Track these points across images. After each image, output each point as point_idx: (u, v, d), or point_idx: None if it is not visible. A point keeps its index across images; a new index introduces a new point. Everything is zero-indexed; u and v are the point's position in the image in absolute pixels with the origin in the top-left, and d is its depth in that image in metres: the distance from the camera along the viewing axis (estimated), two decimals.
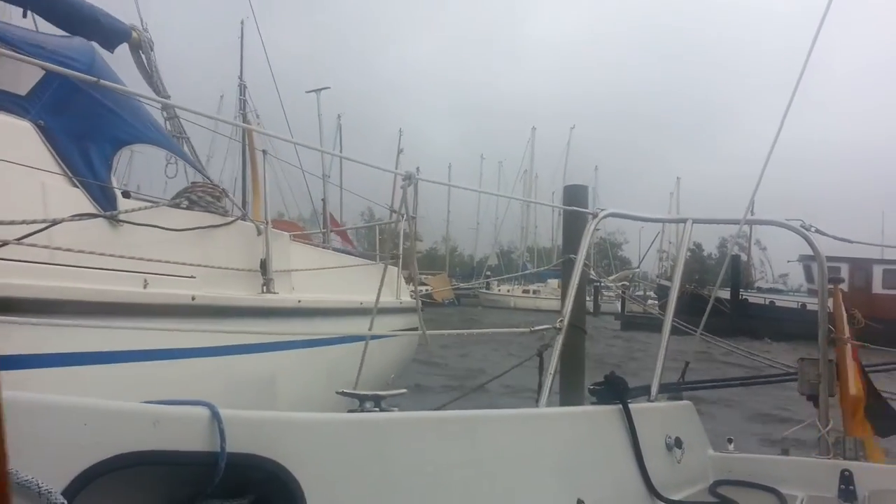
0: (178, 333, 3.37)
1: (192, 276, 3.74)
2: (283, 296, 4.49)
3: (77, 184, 3.35)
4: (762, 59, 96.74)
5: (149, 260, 3.45)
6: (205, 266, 3.87)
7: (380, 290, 2.89)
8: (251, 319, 4.05)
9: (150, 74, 5.11)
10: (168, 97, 5.07)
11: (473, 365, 13.07)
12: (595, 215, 2.91)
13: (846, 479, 2.44)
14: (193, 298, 3.58)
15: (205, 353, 3.55)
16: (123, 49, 5.06)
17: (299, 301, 4.62)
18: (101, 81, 2.30)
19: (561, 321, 2.64)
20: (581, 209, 4.63)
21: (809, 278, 29.81)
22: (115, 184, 3.65)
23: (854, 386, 2.76)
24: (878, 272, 27.32)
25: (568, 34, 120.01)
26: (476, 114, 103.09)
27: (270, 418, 1.26)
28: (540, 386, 2.57)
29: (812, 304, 26.42)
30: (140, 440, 1.04)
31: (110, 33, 4.85)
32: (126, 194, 3.71)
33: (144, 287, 3.39)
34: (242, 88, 31.39)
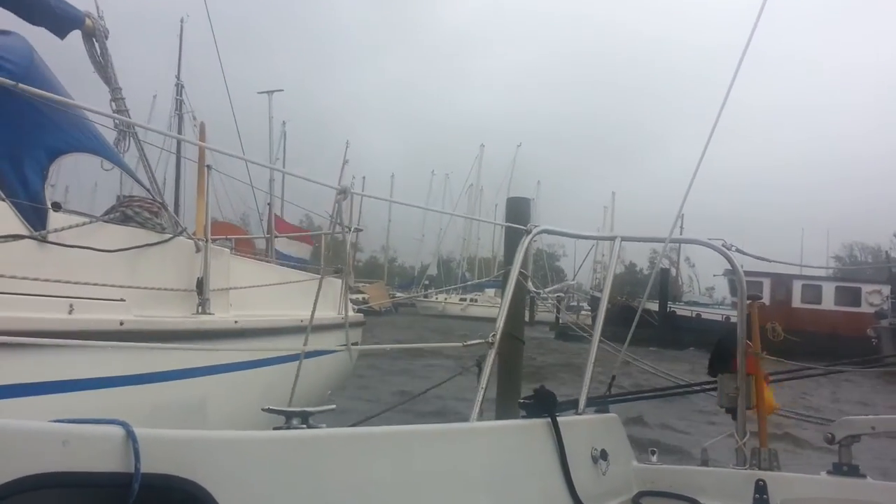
0: (105, 361, 3.22)
1: (121, 300, 3.55)
2: (218, 316, 4.31)
3: (3, 198, 3.16)
4: (686, 90, 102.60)
5: (75, 283, 3.27)
6: (137, 287, 3.69)
7: (315, 305, 2.86)
8: (183, 343, 3.88)
9: (103, 65, 4.79)
10: (120, 89, 4.79)
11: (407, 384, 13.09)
12: (529, 231, 2.97)
13: (760, 488, 2.57)
14: (122, 323, 3.41)
15: (132, 381, 3.37)
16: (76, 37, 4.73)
17: (235, 321, 4.46)
18: (20, 86, 2.17)
19: (494, 335, 2.62)
20: (516, 226, 4.74)
21: (733, 292, 31.15)
22: (48, 197, 3.45)
23: (769, 399, 2.94)
24: (797, 287, 28.86)
25: (519, 61, 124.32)
26: (426, 129, 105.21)
27: (189, 437, 1.22)
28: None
29: (734, 316, 27.57)
30: (47, 461, 0.97)
31: (60, 19, 4.55)
32: (56, 206, 3.50)
33: (70, 313, 3.19)
34: (179, 88, 30.50)
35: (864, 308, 27.71)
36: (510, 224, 5.12)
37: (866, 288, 28.60)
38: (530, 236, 2.96)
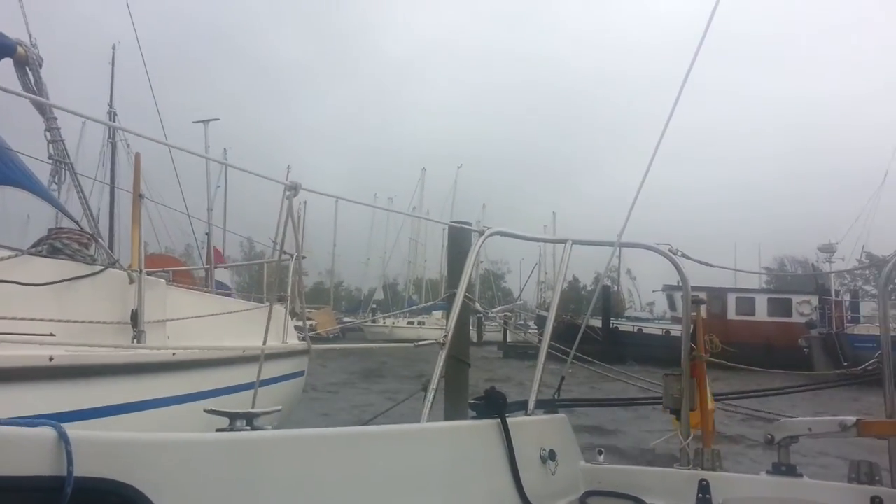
0: (36, 398, 3.10)
1: (51, 335, 3.38)
2: (155, 348, 4.18)
3: None
4: (622, 119, 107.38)
5: (1, 318, 3.13)
6: (67, 321, 3.55)
7: (266, 333, 2.81)
8: (118, 377, 3.74)
9: (37, 94, 4.67)
10: (55, 118, 4.69)
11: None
12: (481, 233, 3.02)
13: (703, 488, 2.63)
14: (51, 359, 3.25)
15: (64, 419, 3.22)
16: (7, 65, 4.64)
17: (174, 353, 4.30)
18: None
19: (445, 337, 2.68)
20: (468, 227, 4.79)
21: (672, 306, 32.10)
22: None
23: (710, 401, 3.03)
24: (731, 300, 29.92)
25: (460, 90, 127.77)
26: (369, 155, 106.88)
27: (126, 439, 1.16)
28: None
29: (674, 330, 28.49)
30: None
31: None
32: None
33: None
34: (112, 116, 29.65)
35: (795, 318, 28.92)
36: (462, 224, 5.17)
37: (796, 299, 29.91)
38: (483, 237, 3.00)
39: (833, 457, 5.93)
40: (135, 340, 4.06)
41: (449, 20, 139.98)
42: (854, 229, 31.73)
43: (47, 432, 1.02)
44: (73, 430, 1.05)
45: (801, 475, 2.65)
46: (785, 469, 2.66)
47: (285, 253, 3.81)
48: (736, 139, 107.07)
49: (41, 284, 3.49)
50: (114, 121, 29.82)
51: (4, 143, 4.37)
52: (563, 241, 3.18)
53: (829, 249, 30.54)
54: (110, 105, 30.25)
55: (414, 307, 45.43)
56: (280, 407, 1.65)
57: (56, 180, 4.78)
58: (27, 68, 4.70)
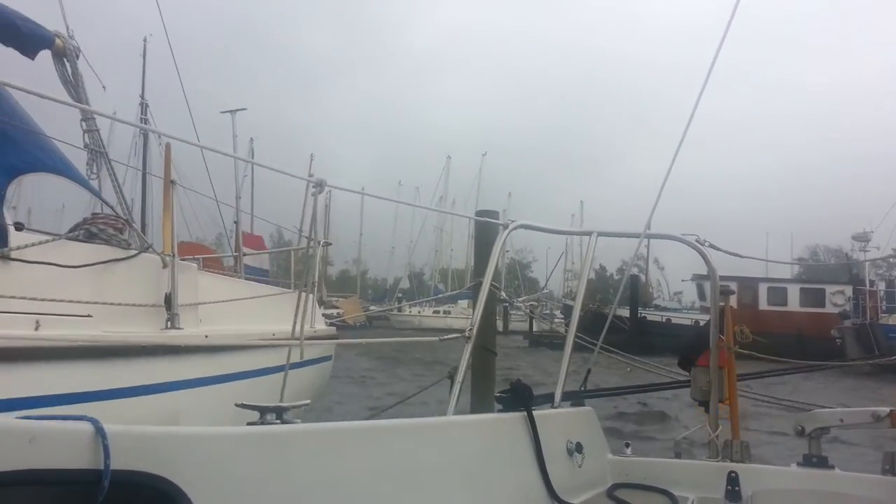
0: (74, 377, 3.22)
1: (88, 315, 3.53)
2: (188, 331, 4.28)
3: None
4: (647, 105, 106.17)
5: (42, 300, 3.25)
6: (104, 304, 3.69)
7: (302, 320, 2.86)
8: (153, 358, 3.86)
9: (74, 85, 4.79)
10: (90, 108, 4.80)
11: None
12: (506, 226, 3.02)
13: (732, 480, 2.60)
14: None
15: (102, 397, 3.36)
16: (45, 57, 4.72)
17: (206, 336, 4.43)
18: None
19: (470, 329, 2.66)
20: (493, 221, 4.78)
21: (701, 296, 31.67)
22: (7, 216, 3.44)
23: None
24: (763, 290, 29.43)
25: (486, 78, 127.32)
26: (395, 143, 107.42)
27: (160, 433, 1.19)
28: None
29: (703, 320, 28.06)
30: (14, 459, 0.95)
31: (30, 39, 4.53)
32: (19, 227, 3.50)
33: (36, 329, 3.18)
34: (144, 107, 30.08)
35: (829, 308, 28.33)
36: (486, 217, 5.17)
37: (830, 289, 29.29)
38: (507, 231, 2.99)
39: (860, 445, 5.83)
40: (168, 323, 4.18)
41: (474, 8, 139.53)
42: (890, 217, 30.88)
43: (84, 427, 1.05)
44: (108, 424, 1.07)
45: (832, 467, 2.62)
46: (816, 461, 2.63)
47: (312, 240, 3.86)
48: (764, 126, 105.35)
49: (78, 267, 3.60)
50: (145, 111, 30.34)
51: (42, 131, 4.47)
52: (589, 233, 3.16)
53: (863, 238, 29.69)
54: (142, 97, 30.67)
55: (440, 295, 45.40)
56: (308, 401, 1.68)
57: (93, 169, 4.88)
58: (65, 59, 4.79)
